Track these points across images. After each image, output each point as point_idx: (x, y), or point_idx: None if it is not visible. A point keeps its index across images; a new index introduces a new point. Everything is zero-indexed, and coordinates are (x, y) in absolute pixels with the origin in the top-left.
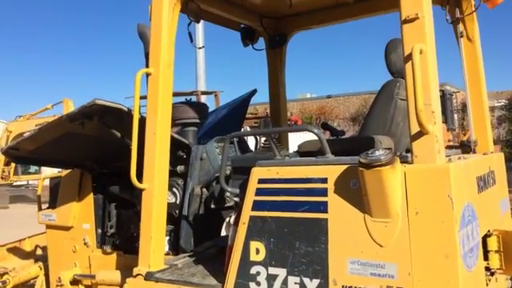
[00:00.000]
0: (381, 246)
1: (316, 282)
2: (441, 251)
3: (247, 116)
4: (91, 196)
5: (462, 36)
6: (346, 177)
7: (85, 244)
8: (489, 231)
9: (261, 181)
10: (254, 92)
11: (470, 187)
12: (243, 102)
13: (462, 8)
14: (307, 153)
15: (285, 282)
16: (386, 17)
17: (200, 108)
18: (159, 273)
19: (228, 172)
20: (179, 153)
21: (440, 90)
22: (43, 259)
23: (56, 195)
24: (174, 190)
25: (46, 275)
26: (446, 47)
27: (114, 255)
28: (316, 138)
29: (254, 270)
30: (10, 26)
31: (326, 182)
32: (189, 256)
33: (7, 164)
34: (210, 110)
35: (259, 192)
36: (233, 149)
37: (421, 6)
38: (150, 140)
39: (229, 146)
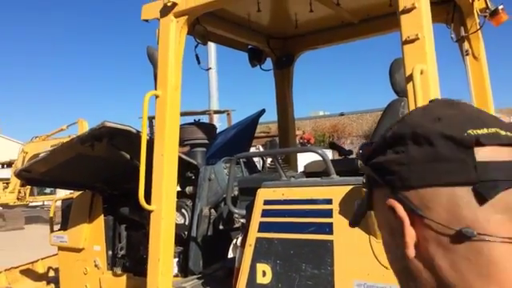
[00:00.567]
0: (387, 268)
1: None
2: None
3: (259, 135)
4: (102, 217)
5: (467, 54)
6: (351, 198)
7: (95, 266)
8: None
9: (266, 202)
10: (262, 112)
11: None
12: (252, 122)
13: (467, 26)
14: (313, 173)
15: None
16: (397, 34)
17: (208, 129)
18: None
19: (236, 193)
20: (188, 173)
21: None
22: (55, 281)
23: (68, 217)
24: (183, 210)
25: None
26: (460, 64)
27: (124, 277)
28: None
29: None
30: (27, 43)
31: (331, 203)
32: (197, 278)
33: (23, 185)
34: (224, 128)
35: (265, 213)
36: (240, 169)
37: (421, 27)
38: (157, 161)
39: (236, 166)
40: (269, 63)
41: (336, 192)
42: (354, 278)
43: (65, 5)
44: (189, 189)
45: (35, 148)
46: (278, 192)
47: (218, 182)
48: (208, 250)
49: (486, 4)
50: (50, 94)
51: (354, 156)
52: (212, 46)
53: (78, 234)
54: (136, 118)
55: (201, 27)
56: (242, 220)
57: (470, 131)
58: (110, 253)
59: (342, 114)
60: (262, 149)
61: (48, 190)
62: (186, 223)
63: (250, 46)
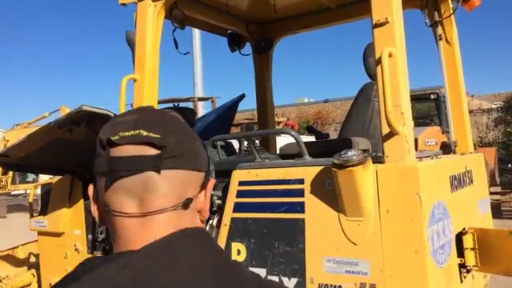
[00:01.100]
0: (354, 244)
1: (294, 280)
2: (410, 248)
3: (243, 122)
4: (82, 202)
5: (440, 39)
6: (322, 177)
7: (76, 250)
8: (464, 229)
9: (241, 183)
10: (242, 97)
11: (441, 186)
12: (231, 108)
13: (441, 11)
14: (288, 155)
15: None
16: None
17: (187, 113)
18: None
19: (213, 175)
20: None
21: (434, 93)
22: (36, 266)
23: (47, 202)
24: None
25: (39, 282)
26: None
27: None
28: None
29: None
30: (9, 31)
31: (303, 183)
32: None
33: (5, 173)
34: None
35: (240, 194)
36: (216, 152)
37: (391, 11)
38: None
39: (212, 150)
40: (248, 48)
41: (308, 172)
42: (324, 254)
43: None
44: None
45: (16, 135)
46: (253, 173)
47: None
48: None
49: None
50: (32, 82)
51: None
52: (196, 32)
53: (58, 219)
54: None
55: (178, 11)
56: (218, 201)
57: (110, 135)
58: (90, 237)
59: (326, 101)
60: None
61: (30, 179)
62: None
63: (229, 31)
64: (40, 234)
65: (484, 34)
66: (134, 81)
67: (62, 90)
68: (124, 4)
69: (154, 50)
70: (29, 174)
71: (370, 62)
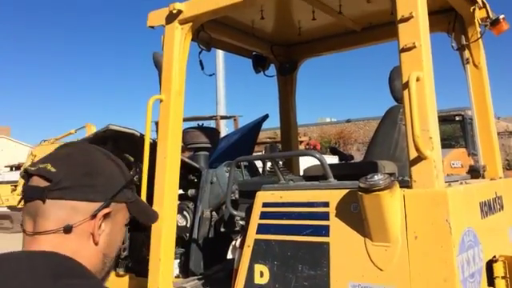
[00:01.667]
0: (381, 269)
1: None
2: (439, 275)
3: (266, 140)
4: None
5: (468, 63)
6: (347, 201)
7: None
8: (494, 257)
9: (265, 204)
10: (265, 117)
11: (471, 212)
12: (254, 127)
13: (468, 35)
14: (312, 177)
15: None
16: None
17: (211, 133)
18: None
19: (237, 196)
20: (190, 176)
21: (460, 115)
22: None
23: None
24: (185, 213)
25: None
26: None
27: (127, 278)
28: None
29: None
30: (38, 51)
31: (328, 206)
32: (198, 279)
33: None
34: None
35: (263, 215)
36: (240, 173)
37: (418, 36)
38: (160, 164)
39: (235, 170)
40: (272, 69)
41: (333, 195)
42: (349, 279)
43: (76, 8)
44: (191, 191)
45: (43, 151)
46: (277, 195)
47: (219, 185)
48: (209, 252)
49: (487, 13)
50: (60, 99)
51: (353, 161)
52: (219, 52)
53: None
54: (142, 122)
55: (205, 34)
56: (242, 222)
57: (31, 166)
58: None
59: (348, 121)
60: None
61: None
62: (188, 225)
63: (253, 53)
64: None
65: (509, 54)
66: (161, 101)
67: (88, 108)
68: (152, 27)
69: (181, 72)
70: None
71: (396, 85)
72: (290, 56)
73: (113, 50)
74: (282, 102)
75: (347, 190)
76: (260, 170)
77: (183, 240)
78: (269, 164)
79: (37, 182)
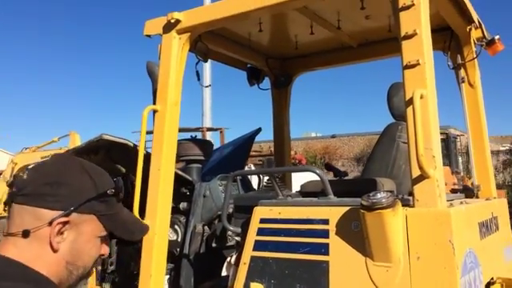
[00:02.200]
0: None
1: None
2: None
3: (252, 154)
4: None
5: (463, 81)
6: (348, 219)
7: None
8: (492, 279)
9: (262, 220)
10: (258, 131)
11: (471, 233)
12: (247, 141)
13: (464, 54)
14: (310, 193)
15: None
16: (393, 59)
17: (205, 145)
18: None
19: (230, 210)
20: (182, 189)
21: (444, 133)
22: None
23: None
24: (176, 227)
25: None
26: (450, 91)
27: None
28: (318, 178)
29: None
30: (19, 56)
31: (328, 224)
32: None
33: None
34: (216, 146)
35: (261, 232)
36: (236, 187)
37: (422, 53)
38: (154, 176)
39: (231, 184)
40: (267, 82)
41: (333, 212)
42: None
43: (65, 16)
44: (183, 205)
45: (25, 159)
46: (275, 211)
47: (212, 198)
48: (200, 268)
49: (483, 33)
50: (42, 107)
51: (349, 178)
52: (207, 64)
53: None
54: (128, 131)
55: (202, 45)
56: (237, 238)
57: (20, 172)
58: (100, 268)
59: (333, 136)
60: (253, 167)
61: None
62: (179, 240)
63: (248, 65)
64: None
65: (491, 74)
66: (156, 111)
67: (72, 116)
68: (149, 36)
69: (177, 82)
70: None
71: (395, 102)
72: (286, 69)
73: (99, 57)
74: (275, 115)
75: (348, 208)
76: (254, 184)
77: (173, 255)
78: (266, 178)
79: (13, 187)
